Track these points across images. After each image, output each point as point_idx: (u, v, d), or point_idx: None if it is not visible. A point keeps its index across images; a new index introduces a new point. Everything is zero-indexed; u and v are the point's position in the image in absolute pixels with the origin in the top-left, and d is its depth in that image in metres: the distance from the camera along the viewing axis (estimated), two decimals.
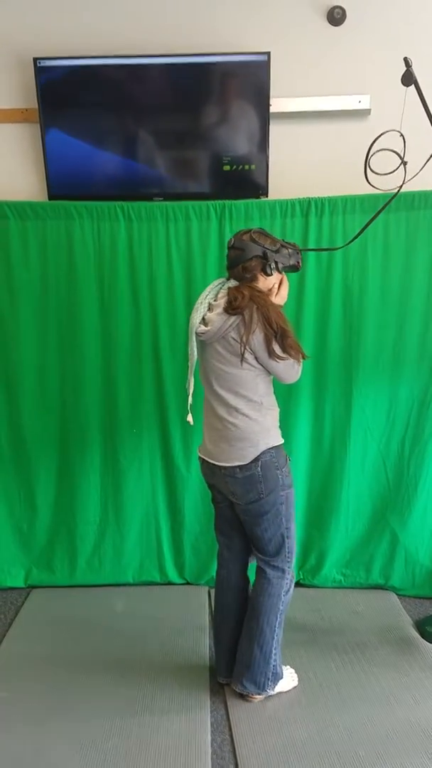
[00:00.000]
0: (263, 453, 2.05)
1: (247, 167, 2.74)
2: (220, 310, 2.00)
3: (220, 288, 2.09)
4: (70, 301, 2.82)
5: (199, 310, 2.05)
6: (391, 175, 2.01)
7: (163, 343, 2.83)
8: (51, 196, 2.79)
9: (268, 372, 2.04)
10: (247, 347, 1.96)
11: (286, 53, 2.69)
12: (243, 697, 2.24)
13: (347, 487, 2.91)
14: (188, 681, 2.34)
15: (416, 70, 2.05)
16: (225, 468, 2.09)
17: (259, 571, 2.20)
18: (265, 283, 2.05)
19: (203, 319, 2.04)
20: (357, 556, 2.97)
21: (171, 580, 3.02)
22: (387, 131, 1.98)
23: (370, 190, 2.11)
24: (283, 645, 2.26)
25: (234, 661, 2.28)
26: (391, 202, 2.14)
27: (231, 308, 1.97)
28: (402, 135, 1.97)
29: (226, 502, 2.21)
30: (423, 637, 2.59)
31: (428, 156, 2.08)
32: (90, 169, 2.76)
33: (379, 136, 1.98)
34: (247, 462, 2.05)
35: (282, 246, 2.06)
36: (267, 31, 2.70)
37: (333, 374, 2.84)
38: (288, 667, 2.35)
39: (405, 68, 2.06)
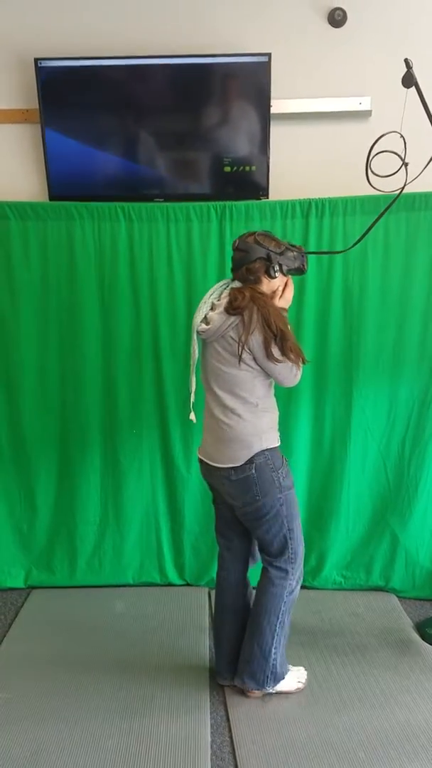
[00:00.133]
0: (257, 455, 2.04)
1: (247, 168, 2.74)
2: (221, 309, 2.00)
3: (224, 288, 2.10)
4: (71, 302, 2.82)
5: (202, 309, 2.07)
6: (392, 176, 2.00)
7: (164, 344, 2.83)
8: (52, 197, 2.79)
9: (267, 374, 2.04)
10: (245, 348, 1.96)
11: (287, 54, 2.69)
12: (242, 692, 2.25)
13: (347, 488, 2.91)
14: (188, 682, 2.34)
15: (417, 71, 2.05)
16: (220, 469, 2.09)
17: (263, 570, 2.21)
18: (269, 285, 2.05)
19: (205, 317, 2.05)
20: (357, 558, 2.97)
21: (171, 581, 3.02)
22: (387, 133, 1.98)
23: (370, 191, 2.11)
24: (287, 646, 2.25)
25: (234, 664, 2.28)
26: (393, 203, 2.14)
27: (231, 308, 1.97)
28: (402, 136, 1.97)
29: (225, 503, 2.21)
30: (423, 639, 2.59)
31: (429, 157, 2.07)
32: (91, 169, 2.76)
33: (380, 137, 1.98)
34: (240, 464, 2.05)
35: (287, 249, 2.06)
36: (268, 32, 2.70)
37: (333, 375, 2.83)
38: (300, 669, 2.33)
39: (405, 70, 2.05)
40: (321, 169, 2.76)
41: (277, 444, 2.11)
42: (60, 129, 2.71)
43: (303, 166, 2.79)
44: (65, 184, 2.77)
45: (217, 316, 2.01)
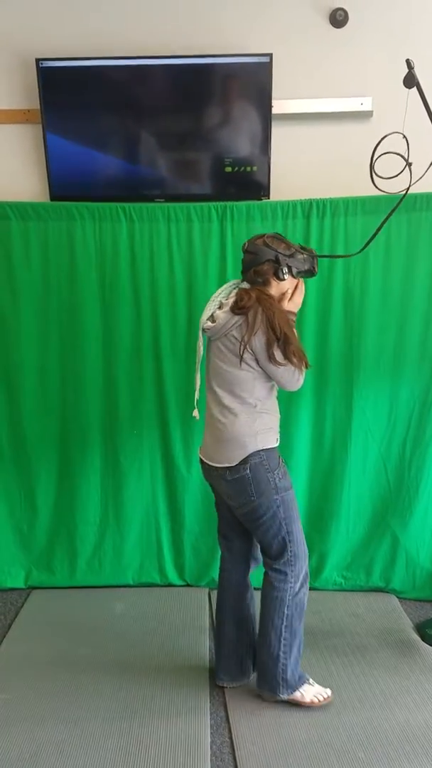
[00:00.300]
0: (252, 455, 2.03)
1: (248, 168, 2.74)
2: (227, 308, 2.01)
3: (234, 288, 2.10)
4: (72, 302, 2.82)
5: (210, 307, 2.07)
6: (395, 177, 2.00)
7: (164, 344, 2.83)
8: (53, 197, 2.79)
9: (269, 376, 2.04)
10: (247, 348, 1.96)
11: (289, 55, 2.69)
12: (243, 693, 2.24)
13: (348, 489, 2.90)
14: (188, 682, 2.34)
15: (418, 72, 2.05)
16: (217, 469, 2.09)
17: (264, 574, 2.20)
18: (278, 288, 2.05)
19: (212, 315, 2.05)
20: (357, 559, 2.97)
21: (171, 581, 3.02)
22: (390, 133, 1.97)
23: (371, 192, 2.11)
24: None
25: (233, 665, 2.29)
26: (400, 204, 2.13)
27: (237, 307, 1.97)
28: (405, 137, 1.96)
29: (225, 504, 2.21)
30: (423, 640, 2.58)
31: (431, 158, 2.07)
32: (92, 169, 2.77)
33: (383, 138, 1.97)
34: (234, 464, 2.04)
35: (297, 251, 2.05)
36: (269, 32, 2.70)
37: (334, 376, 2.83)
38: (326, 690, 2.22)
39: (407, 70, 2.05)
40: (322, 170, 2.76)
41: (275, 445, 2.09)
42: (61, 129, 2.71)
43: (304, 166, 2.79)
44: (66, 185, 2.77)
45: (223, 315, 2.01)
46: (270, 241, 2.03)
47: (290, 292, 2.07)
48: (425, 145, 2.04)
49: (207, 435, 2.16)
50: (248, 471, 2.03)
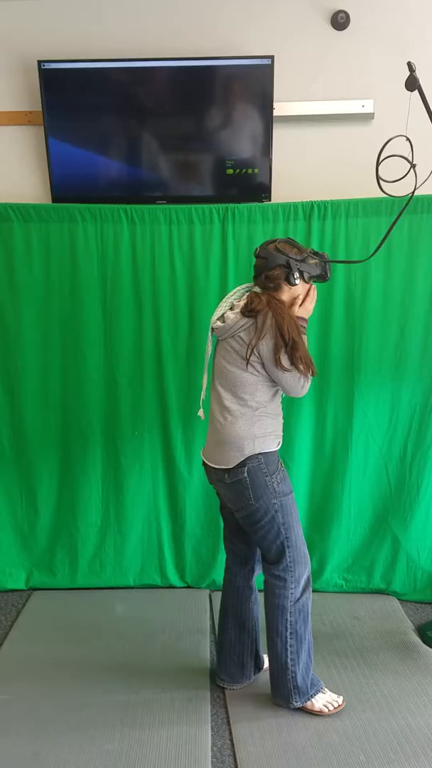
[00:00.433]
0: (249, 458, 2.02)
1: (250, 170, 2.75)
2: (238, 310, 2.01)
3: (246, 291, 2.10)
4: (73, 303, 2.82)
5: (221, 307, 2.08)
6: (398, 179, 2.00)
7: (165, 346, 2.83)
8: (54, 199, 2.79)
9: (274, 381, 2.03)
10: (254, 351, 1.95)
11: (290, 57, 2.70)
12: (243, 694, 2.25)
13: (349, 491, 2.90)
14: (189, 684, 2.34)
15: (420, 74, 2.05)
16: (216, 470, 2.09)
17: (264, 580, 2.19)
18: (290, 293, 2.04)
19: (222, 315, 2.06)
20: (358, 561, 2.97)
21: (172, 583, 3.02)
22: (395, 137, 1.97)
23: (372, 194, 2.11)
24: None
25: (234, 666, 2.29)
26: (407, 206, 2.13)
27: (247, 310, 1.98)
28: (408, 139, 1.97)
29: (228, 507, 2.21)
30: (424, 642, 2.58)
31: None
32: (93, 171, 2.77)
33: (388, 141, 1.97)
34: (231, 466, 2.04)
35: (309, 256, 2.05)
36: (271, 35, 2.71)
37: (335, 377, 2.83)
38: (339, 697, 2.20)
39: (409, 73, 2.05)
40: (323, 172, 2.76)
41: (274, 449, 2.08)
42: (63, 131, 2.71)
43: (305, 168, 2.79)
44: (68, 186, 2.78)
45: (233, 315, 2.02)
46: (282, 246, 2.02)
47: (301, 298, 2.06)
48: (427, 146, 2.05)
49: (208, 435, 2.16)
50: (246, 474, 2.03)
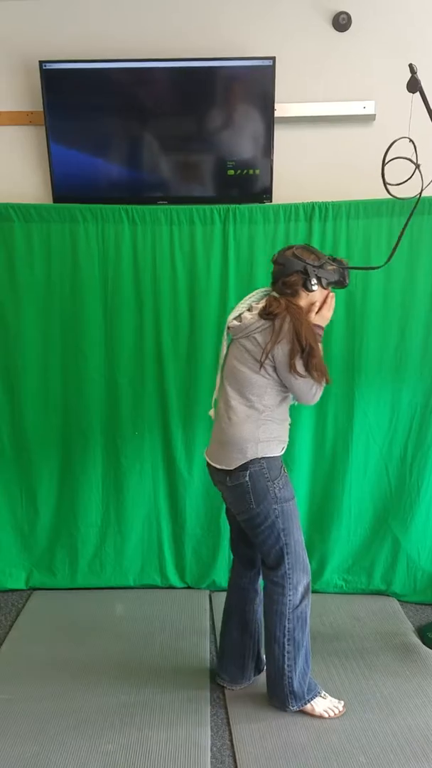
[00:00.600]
0: (251, 462, 2.02)
1: (251, 171, 2.75)
2: (256, 312, 2.01)
3: (265, 294, 2.10)
4: (74, 304, 2.82)
5: (239, 308, 2.08)
6: (405, 182, 2.00)
7: (166, 346, 2.83)
8: (56, 199, 2.80)
9: (285, 386, 2.02)
10: (269, 355, 1.95)
11: (292, 58, 2.70)
12: (243, 695, 2.24)
13: (349, 492, 2.90)
14: (188, 684, 2.34)
15: (421, 76, 2.05)
16: (218, 471, 2.09)
17: (264, 586, 2.18)
18: (307, 299, 2.03)
19: (239, 315, 2.06)
20: (358, 562, 2.97)
21: (172, 583, 3.02)
22: (398, 139, 1.97)
23: (373, 195, 2.12)
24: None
25: (234, 667, 2.29)
26: (416, 208, 2.13)
27: (265, 313, 1.97)
28: (411, 140, 1.97)
29: (230, 510, 2.21)
30: (424, 643, 2.58)
31: None
32: (95, 172, 2.77)
33: (393, 143, 1.97)
34: (232, 468, 2.03)
35: (327, 262, 2.04)
36: (272, 36, 2.71)
37: (336, 377, 2.82)
38: (340, 702, 2.19)
39: (410, 75, 2.06)
40: (325, 173, 2.77)
41: (278, 454, 2.07)
42: (64, 131, 2.71)
43: (307, 169, 2.79)
44: (69, 186, 2.78)
45: (250, 316, 2.01)
46: (300, 252, 2.02)
47: (318, 305, 2.05)
48: (429, 150, 2.05)
49: (213, 434, 2.15)
50: (248, 479, 2.02)
